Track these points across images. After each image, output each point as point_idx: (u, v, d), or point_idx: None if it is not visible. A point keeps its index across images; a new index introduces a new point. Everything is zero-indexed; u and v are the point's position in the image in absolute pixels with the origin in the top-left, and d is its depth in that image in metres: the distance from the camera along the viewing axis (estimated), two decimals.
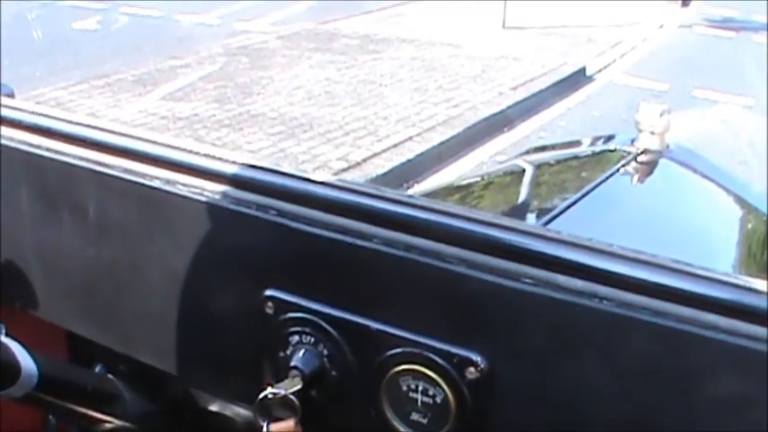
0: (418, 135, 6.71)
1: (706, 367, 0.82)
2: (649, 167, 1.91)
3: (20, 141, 1.22)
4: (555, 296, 0.88)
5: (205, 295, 1.11)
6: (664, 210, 1.78)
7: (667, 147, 1.91)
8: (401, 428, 0.99)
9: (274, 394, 1.00)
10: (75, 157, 1.18)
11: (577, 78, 9.03)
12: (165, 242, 1.12)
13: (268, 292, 1.04)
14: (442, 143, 6.62)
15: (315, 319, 1.01)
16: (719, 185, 2.08)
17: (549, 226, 1.46)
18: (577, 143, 2.68)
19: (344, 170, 5.89)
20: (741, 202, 2.06)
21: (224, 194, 1.07)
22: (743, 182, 2.19)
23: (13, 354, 1.02)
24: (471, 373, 0.92)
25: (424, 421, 0.97)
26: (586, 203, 1.63)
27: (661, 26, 11.85)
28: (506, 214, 1.85)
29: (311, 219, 1.01)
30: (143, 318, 1.18)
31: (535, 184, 2.03)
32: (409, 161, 6.23)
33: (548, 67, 9.10)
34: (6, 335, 1.02)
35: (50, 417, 1.37)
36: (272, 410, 1.01)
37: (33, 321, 1.26)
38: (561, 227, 1.44)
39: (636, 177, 1.93)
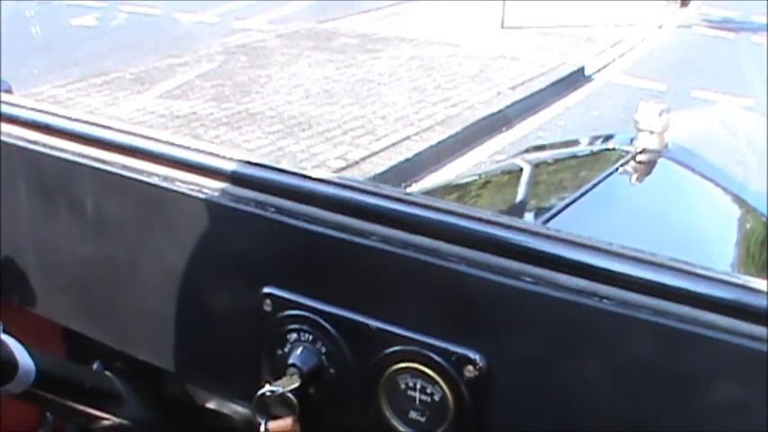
0: (417, 134, 6.71)
1: (706, 367, 0.82)
2: (648, 167, 1.91)
3: (18, 138, 1.22)
4: (554, 295, 0.88)
5: (203, 292, 1.11)
6: (662, 209, 1.78)
7: (666, 146, 1.91)
8: (399, 426, 0.98)
9: (272, 392, 1.00)
10: (73, 153, 1.18)
11: (576, 78, 9.04)
12: (163, 239, 1.12)
13: (266, 290, 1.04)
14: (440, 142, 6.62)
15: (313, 316, 1.01)
16: (718, 185, 2.08)
17: (548, 225, 1.46)
18: (576, 142, 2.68)
19: (343, 169, 5.89)
20: (740, 201, 2.06)
21: (222, 191, 1.07)
22: (741, 182, 2.19)
23: (11, 350, 1.02)
24: (470, 371, 0.92)
25: (423, 419, 0.97)
26: (585, 203, 1.63)
27: (660, 26, 11.86)
28: (505, 213, 1.84)
29: (310, 216, 1.01)
30: (141, 315, 1.18)
31: (533, 183, 2.03)
32: (408, 160, 6.23)
33: (546, 66, 9.11)
34: (4, 331, 1.02)
35: (48, 413, 1.37)
36: (270, 408, 1.01)
37: (31, 318, 1.26)
38: (560, 226, 1.44)
39: (635, 177, 1.93)
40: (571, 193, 1.69)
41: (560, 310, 0.87)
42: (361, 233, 0.98)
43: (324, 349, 1.01)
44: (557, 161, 2.38)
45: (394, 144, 6.47)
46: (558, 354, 0.89)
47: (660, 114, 1.88)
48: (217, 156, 1.10)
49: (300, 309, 1.02)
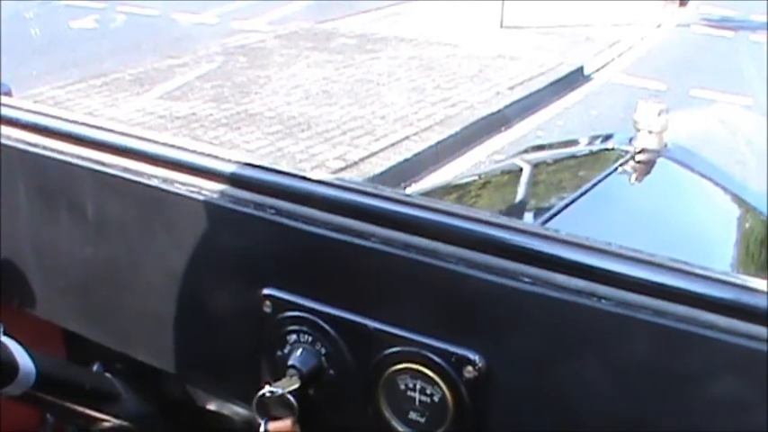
0: (416, 134, 6.71)
1: (705, 366, 0.82)
2: (647, 166, 1.91)
3: (17, 140, 1.22)
4: (553, 295, 0.88)
5: (203, 294, 1.11)
6: (662, 209, 1.78)
7: (665, 146, 1.91)
8: (399, 427, 0.99)
9: (272, 393, 1.00)
10: (72, 155, 1.18)
11: (575, 78, 9.04)
12: (162, 241, 1.12)
13: (266, 291, 1.04)
14: (439, 142, 6.62)
15: (312, 317, 1.01)
16: (717, 184, 2.08)
17: (546, 225, 1.46)
18: (575, 142, 2.68)
19: (342, 169, 5.89)
20: (739, 201, 2.06)
21: (222, 193, 1.07)
22: (741, 181, 2.19)
23: (11, 352, 1.02)
24: (469, 372, 0.92)
25: (422, 420, 0.97)
26: (584, 203, 1.63)
27: (659, 25, 11.86)
28: (504, 213, 1.85)
29: (309, 217, 1.01)
30: (141, 316, 1.18)
31: (533, 183, 2.03)
32: (407, 160, 6.23)
33: (545, 66, 9.11)
34: (4, 333, 1.02)
35: (48, 415, 1.37)
36: (269, 409, 1.02)
37: (31, 320, 1.26)
38: (559, 226, 1.44)
39: (634, 176, 1.93)
40: (570, 192, 1.69)
41: (559, 310, 0.87)
42: (360, 234, 0.98)
43: (323, 350, 1.01)
44: (556, 161, 2.38)
45: (393, 144, 6.47)
46: (557, 354, 0.89)
47: (659, 114, 1.88)
48: (216, 157, 1.10)
49: (300, 310, 1.02)
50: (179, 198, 1.09)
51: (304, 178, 1.05)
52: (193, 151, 1.12)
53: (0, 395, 1.03)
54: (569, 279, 0.88)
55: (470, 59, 9.23)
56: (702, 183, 2.07)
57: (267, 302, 1.04)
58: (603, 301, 0.86)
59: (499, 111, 7.56)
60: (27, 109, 1.26)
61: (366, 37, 10.13)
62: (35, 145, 1.21)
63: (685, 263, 0.86)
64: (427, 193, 2.39)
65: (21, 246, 1.25)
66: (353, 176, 5.69)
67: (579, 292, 0.87)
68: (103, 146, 1.17)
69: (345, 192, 1.02)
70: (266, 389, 1.00)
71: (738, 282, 0.84)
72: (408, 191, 4.26)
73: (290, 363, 1.01)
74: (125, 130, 1.19)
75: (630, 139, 1.94)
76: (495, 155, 6.52)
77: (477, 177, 2.95)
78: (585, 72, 9.33)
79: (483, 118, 7.29)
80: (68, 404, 1.18)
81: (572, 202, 1.62)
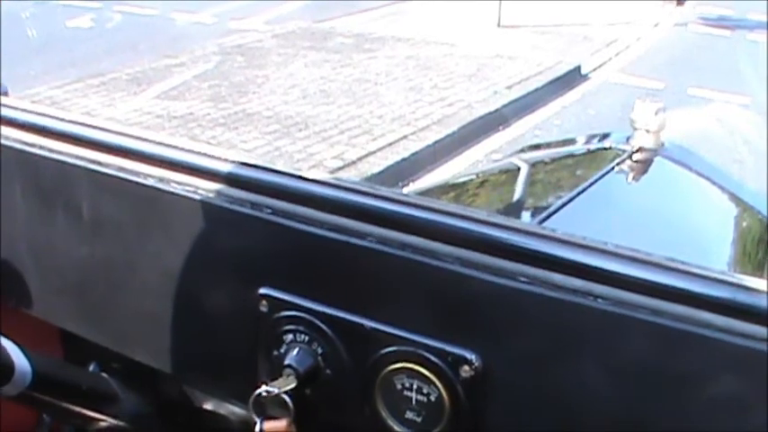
0: (413, 134, 6.71)
1: (702, 366, 0.82)
2: (644, 166, 1.91)
3: (14, 140, 1.22)
4: (550, 295, 0.88)
5: (199, 293, 1.11)
6: (659, 208, 1.78)
7: (662, 145, 1.91)
8: (395, 427, 0.98)
9: (268, 393, 1.00)
10: (69, 155, 1.18)
11: (573, 77, 9.04)
12: (159, 240, 1.12)
13: (262, 291, 1.04)
14: (437, 142, 6.62)
15: (309, 317, 1.01)
16: (715, 184, 2.08)
17: (544, 224, 1.46)
18: (573, 141, 2.68)
19: (340, 169, 5.89)
20: (736, 200, 2.06)
21: (218, 193, 1.07)
22: (738, 180, 2.19)
23: (7, 353, 1.02)
24: (466, 371, 0.92)
25: (419, 419, 0.97)
26: (582, 202, 1.63)
27: (656, 25, 11.87)
28: (501, 212, 1.85)
29: (305, 217, 1.01)
30: (137, 316, 1.18)
31: (530, 182, 2.03)
32: (404, 160, 6.23)
33: (543, 65, 9.11)
34: (0, 334, 1.02)
35: (45, 416, 1.37)
36: (266, 409, 1.02)
37: (28, 320, 1.26)
38: (556, 225, 1.44)
39: (631, 175, 1.93)
40: (568, 192, 1.69)
41: (556, 309, 0.87)
42: (356, 234, 0.98)
43: (320, 350, 1.01)
44: (553, 160, 2.38)
45: (391, 144, 6.47)
46: (553, 353, 0.89)
47: (656, 113, 1.88)
48: (212, 157, 1.10)
49: (296, 310, 1.02)
50: (175, 198, 1.09)
51: (301, 178, 1.05)
52: (190, 151, 1.12)
53: None
54: (566, 278, 0.88)
55: (468, 59, 9.23)
56: (700, 182, 2.07)
57: (264, 302, 1.04)
58: (600, 300, 0.86)
59: (497, 110, 7.56)
60: (24, 109, 1.26)
61: (363, 36, 10.13)
62: (32, 145, 1.21)
63: (682, 262, 0.86)
64: (425, 193, 2.40)
65: (17, 245, 1.25)
66: (351, 176, 5.70)
67: (576, 291, 0.87)
68: (100, 145, 1.17)
69: (342, 191, 1.02)
70: (262, 388, 1.00)
71: (736, 281, 0.84)
72: (406, 190, 4.26)
73: (286, 362, 1.01)
74: (121, 129, 1.19)
75: (628, 138, 1.94)
76: (492, 154, 6.52)
77: (474, 176, 2.95)
78: (583, 71, 9.33)
79: (480, 117, 7.30)
80: (65, 404, 1.18)
81: (569, 201, 1.62)
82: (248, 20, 10.57)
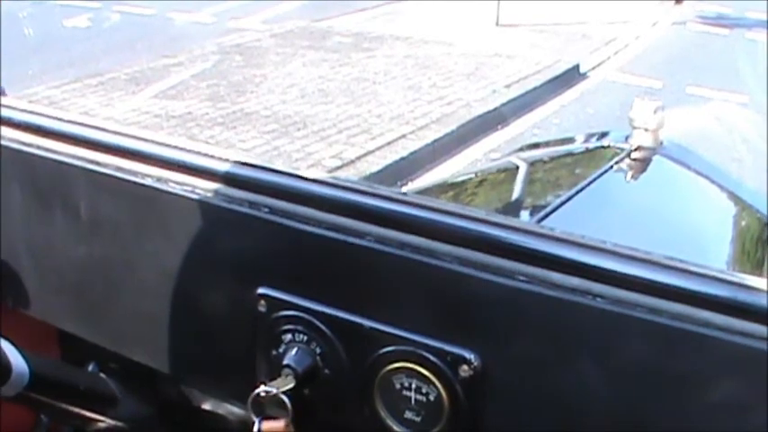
0: (412, 133, 6.71)
1: (700, 364, 0.82)
2: (643, 164, 1.91)
3: (12, 140, 1.22)
4: (549, 293, 0.88)
5: (197, 293, 1.11)
6: (657, 206, 1.78)
7: (661, 143, 1.91)
8: (394, 427, 0.98)
9: (267, 393, 1.00)
10: (66, 155, 1.18)
11: (571, 76, 9.03)
12: (157, 240, 1.12)
13: (261, 291, 1.04)
14: (435, 141, 6.62)
15: (308, 317, 1.01)
16: (713, 182, 2.08)
17: (542, 223, 1.46)
18: (571, 140, 2.68)
19: (338, 168, 5.89)
20: (735, 199, 2.06)
21: (216, 192, 1.07)
22: (737, 179, 2.19)
23: (5, 353, 1.02)
24: (465, 371, 0.92)
25: (418, 419, 0.97)
26: (580, 200, 1.63)
27: (655, 23, 11.86)
28: (500, 211, 1.85)
29: (304, 216, 1.01)
30: (135, 316, 1.18)
31: (529, 181, 2.02)
32: (403, 159, 6.23)
33: (542, 64, 9.10)
34: None
35: (42, 416, 1.37)
36: (264, 409, 1.01)
37: (25, 320, 1.26)
38: (555, 224, 1.44)
39: (630, 174, 1.93)
40: (566, 190, 1.69)
41: (554, 308, 0.87)
42: (355, 233, 0.98)
43: (318, 350, 1.01)
44: (552, 159, 2.38)
45: (389, 143, 6.47)
46: (552, 352, 0.89)
47: (655, 112, 1.88)
48: (210, 156, 1.10)
49: (295, 309, 1.01)
50: (173, 197, 1.09)
51: (299, 177, 1.04)
52: (188, 150, 1.12)
53: None
54: (565, 277, 0.88)
55: (466, 57, 9.22)
56: (698, 180, 2.07)
57: (262, 302, 1.04)
58: (599, 299, 0.86)
59: (495, 109, 7.55)
60: (22, 109, 1.26)
61: (362, 35, 10.12)
62: (30, 145, 1.21)
63: (681, 260, 0.86)
64: (424, 192, 2.39)
65: (15, 245, 1.25)
66: (350, 175, 5.69)
67: (575, 290, 0.87)
68: (98, 145, 1.17)
69: (341, 190, 1.02)
70: (261, 388, 1.00)
71: (734, 279, 0.84)
72: (405, 189, 4.26)
73: (285, 362, 1.01)
74: (119, 129, 1.19)
75: (626, 137, 1.94)
76: (491, 153, 6.52)
77: (473, 175, 2.95)
78: (582, 70, 9.32)
79: (479, 116, 7.29)
80: (63, 405, 1.18)
81: (568, 199, 1.61)
82: (246, 19, 10.57)
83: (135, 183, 1.12)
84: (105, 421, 1.23)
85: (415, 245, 0.95)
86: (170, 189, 1.09)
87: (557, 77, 8.76)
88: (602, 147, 2.16)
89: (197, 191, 1.08)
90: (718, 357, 0.81)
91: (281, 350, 1.03)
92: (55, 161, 1.18)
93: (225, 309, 1.09)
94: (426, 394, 0.95)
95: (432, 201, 1.01)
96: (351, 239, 0.98)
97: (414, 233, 0.95)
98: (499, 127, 7.28)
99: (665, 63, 9.67)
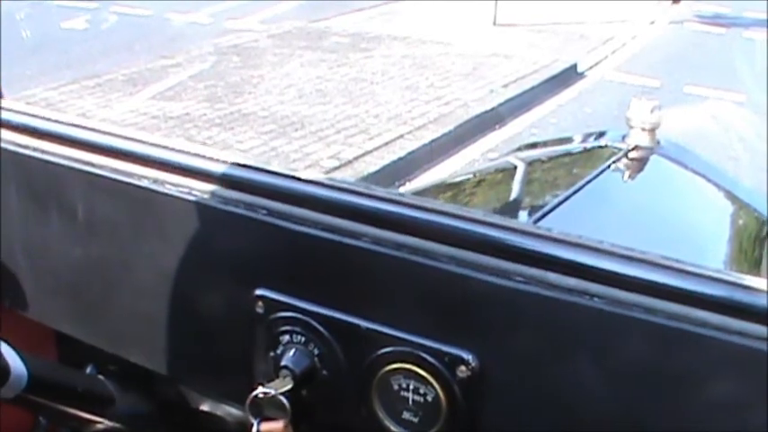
0: (410, 133, 6.71)
1: (697, 364, 0.82)
2: (640, 164, 1.91)
3: (9, 142, 1.22)
4: (546, 294, 0.88)
5: (195, 295, 1.11)
6: (655, 206, 1.78)
7: (658, 143, 1.91)
8: (392, 427, 0.98)
9: (265, 394, 1.00)
10: (64, 157, 1.18)
11: (569, 75, 9.03)
12: (154, 242, 1.12)
13: (258, 292, 1.04)
14: (433, 141, 6.62)
15: (305, 318, 1.01)
16: (710, 181, 2.08)
17: (540, 223, 1.46)
18: (569, 140, 2.67)
19: (336, 168, 5.89)
20: (732, 198, 2.06)
21: (213, 194, 1.07)
22: (734, 177, 2.19)
23: (3, 355, 1.01)
24: (462, 371, 0.92)
25: (415, 420, 0.97)
26: (577, 200, 1.63)
27: (652, 23, 11.87)
28: (498, 211, 1.85)
29: (301, 218, 1.01)
30: (133, 318, 1.18)
31: (526, 181, 2.03)
32: (401, 159, 6.23)
33: (539, 64, 9.11)
34: None
35: (41, 418, 1.37)
36: (262, 410, 1.01)
37: (23, 322, 1.26)
38: (552, 224, 1.44)
39: (627, 174, 1.93)
40: (564, 190, 1.69)
41: (552, 309, 0.87)
42: (352, 234, 0.98)
43: (316, 351, 1.01)
44: (549, 159, 2.37)
45: (387, 143, 6.47)
46: (549, 353, 0.89)
47: (652, 111, 1.88)
48: (207, 158, 1.10)
49: (293, 311, 1.01)
50: (170, 199, 1.09)
51: (296, 178, 1.05)
52: (184, 152, 1.12)
53: None
54: (562, 278, 0.88)
55: (464, 57, 9.22)
56: (695, 179, 2.07)
57: (260, 303, 1.04)
58: (596, 299, 0.86)
59: (493, 109, 7.55)
60: (18, 111, 1.26)
61: (359, 35, 10.12)
62: (27, 147, 1.21)
63: (677, 260, 0.87)
64: (421, 192, 2.39)
65: (12, 247, 1.25)
66: (347, 175, 5.69)
67: (572, 290, 0.87)
68: (95, 147, 1.17)
69: (337, 192, 1.02)
70: (259, 390, 1.00)
71: (731, 279, 0.84)
72: (402, 189, 4.26)
73: (282, 363, 1.01)
74: (116, 131, 1.19)
75: (624, 137, 1.94)
76: (488, 153, 6.52)
77: (471, 175, 2.95)
78: (579, 69, 9.33)
79: (477, 116, 7.29)
80: (61, 407, 1.18)
81: (565, 199, 1.61)
82: (244, 20, 10.57)
83: (132, 184, 1.12)
84: (103, 423, 1.23)
85: (412, 246, 0.95)
86: (167, 191, 1.09)
87: (554, 77, 8.77)
88: (600, 146, 2.15)
89: (194, 192, 1.08)
90: (715, 357, 0.81)
91: (278, 351, 1.03)
92: (52, 163, 1.18)
93: (222, 310, 1.09)
94: (424, 395, 0.95)
95: (429, 202, 1.01)
96: (348, 240, 0.98)
97: (411, 234, 0.96)
98: (497, 127, 7.28)
99: (663, 62, 9.68)
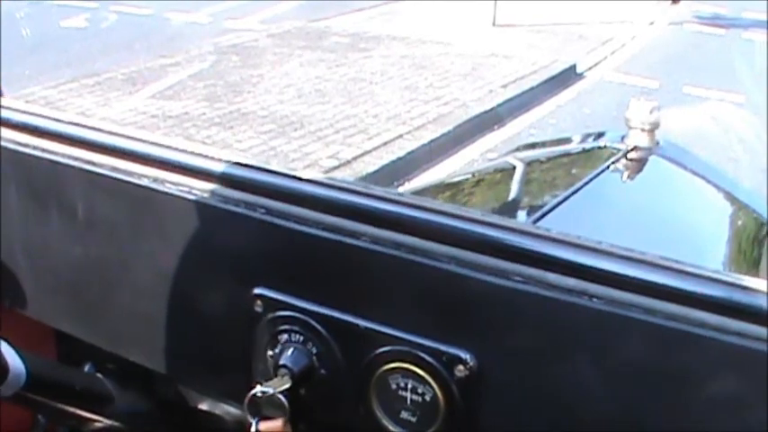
0: (409, 133, 6.70)
1: (696, 364, 0.82)
2: (639, 164, 1.91)
3: (9, 140, 1.22)
4: (545, 294, 0.88)
5: (194, 294, 1.11)
6: (654, 207, 1.78)
7: (657, 143, 1.91)
8: (390, 427, 0.98)
9: (263, 393, 1.00)
10: (63, 155, 1.18)
11: (568, 76, 9.03)
12: (153, 240, 1.12)
13: (257, 291, 1.04)
14: (432, 141, 6.62)
15: (304, 317, 1.01)
16: (709, 182, 2.08)
17: (539, 223, 1.46)
18: (568, 140, 2.67)
19: (335, 168, 5.89)
20: (731, 198, 2.06)
21: (212, 193, 1.07)
22: (733, 178, 2.19)
23: (2, 353, 1.01)
24: (460, 371, 0.92)
25: (414, 419, 0.97)
26: (576, 200, 1.63)
27: (651, 23, 11.87)
28: (497, 212, 1.85)
29: (300, 217, 1.01)
30: (132, 316, 1.18)
31: (525, 181, 2.02)
32: (400, 159, 6.23)
33: (538, 64, 9.11)
34: None
35: (39, 416, 1.37)
36: (261, 409, 1.01)
37: (22, 320, 1.26)
38: (551, 224, 1.44)
39: (626, 174, 1.93)
40: (562, 190, 1.68)
41: (550, 309, 0.87)
42: (351, 234, 0.98)
43: (315, 350, 1.01)
44: (548, 159, 2.37)
45: (386, 143, 6.46)
46: (548, 353, 0.89)
47: (651, 112, 1.87)
48: (206, 157, 1.10)
49: (291, 310, 1.02)
50: (170, 198, 1.09)
51: (295, 178, 1.05)
52: (184, 151, 1.12)
53: None
54: (561, 278, 0.88)
55: (463, 58, 9.22)
56: (694, 180, 2.07)
57: (258, 302, 1.04)
58: (595, 299, 0.86)
59: (492, 109, 7.55)
60: (18, 109, 1.26)
61: (359, 36, 10.12)
62: (26, 145, 1.21)
63: (676, 261, 0.87)
64: (420, 192, 2.40)
65: (12, 246, 1.25)
66: (346, 175, 5.69)
67: (570, 290, 0.87)
68: (94, 146, 1.17)
69: (336, 191, 1.02)
70: (257, 389, 1.00)
71: (730, 280, 0.84)
72: (401, 189, 4.26)
73: (281, 362, 1.01)
74: (116, 129, 1.19)
75: (623, 137, 1.94)
76: (487, 153, 6.52)
77: (470, 176, 2.95)
78: (578, 70, 9.33)
79: (476, 116, 7.29)
80: (60, 405, 1.18)
81: (564, 200, 1.61)
82: (243, 19, 10.56)
83: (131, 183, 1.12)
84: (102, 421, 1.23)
85: (411, 245, 0.95)
86: (166, 189, 1.09)
87: (553, 77, 8.77)
88: (599, 147, 2.15)
89: (193, 191, 1.08)
90: (714, 358, 0.82)
91: (277, 350, 1.03)
92: (52, 162, 1.18)
93: (221, 309, 1.10)
94: (422, 394, 0.95)
95: (427, 201, 1.01)
96: (347, 240, 0.98)
97: (409, 234, 0.96)
98: (496, 127, 7.28)
99: (662, 63, 9.69)
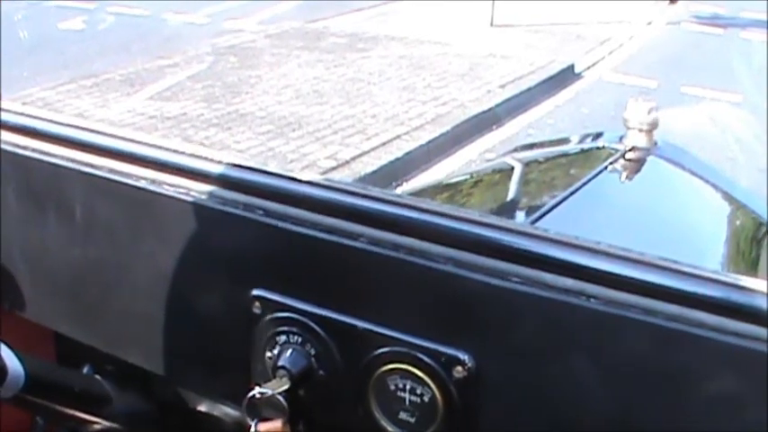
0: (407, 133, 6.71)
1: (694, 364, 0.82)
2: (637, 164, 1.91)
3: (6, 142, 1.22)
4: (543, 295, 0.88)
5: (192, 295, 1.11)
6: (652, 207, 1.78)
7: (655, 144, 1.91)
8: (389, 428, 0.98)
9: (262, 394, 1.00)
10: (61, 157, 1.18)
11: (566, 76, 9.04)
12: (151, 242, 1.12)
13: (255, 292, 1.04)
14: (430, 141, 6.62)
15: (302, 318, 1.01)
16: (708, 182, 2.08)
17: (537, 224, 1.46)
18: (566, 140, 2.67)
19: (333, 169, 5.89)
20: (730, 199, 2.06)
21: (210, 194, 1.07)
22: (731, 178, 2.19)
23: (0, 355, 1.01)
24: (459, 372, 0.92)
25: (412, 420, 0.97)
26: (574, 201, 1.63)
27: (649, 23, 11.88)
28: (495, 212, 1.85)
29: (298, 218, 1.01)
30: (130, 318, 1.18)
31: (523, 181, 2.02)
32: (398, 159, 6.23)
33: (536, 64, 9.11)
34: None
35: (38, 418, 1.37)
36: (260, 410, 1.01)
37: (21, 322, 1.26)
38: (549, 225, 1.44)
39: (624, 174, 1.93)
40: (561, 191, 1.68)
41: (549, 309, 0.87)
42: (349, 235, 0.98)
43: (313, 351, 1.01)
44: (546, 159, 2.37)
45: (384, 143, 6.47)
46: (546, 353, 0.89)
47: (649, 112, 1.87)
48: (205, 159, 1.10)
49: (289, 311, 1.02)
50: (168, 199, 1.09)
51: (293, 179, 1.05)
52: (182, 152, 1.12)
53: None
54: (558, 278, 0.88)
55: (461, 58, 9.22)
56: (693, 180, 2.07)
57: (257, 303, 1.04)
58: (593, 300, 0.86)
59: (490, 109, 7.56)
60: (15, 111, 1.26)
61: (357, 36, 10.12)
62: (24, 147, 1.21)
63: (675, 261, 0.87)
64: (418, 192, 2.39)
65: (10, 248, 1.25)
66: (345, 176, 5.70)
67: (568, 291, 0.87)
68: (92, 148, 1.17)
69: (334, 192, 1.02)
70: (256, 390, 1.00)
71: (728, 280, 0.84)
72: (399, 190, 4.27)
73: (279, 364, 1.01)
74: (114, 131, 1.19)
75: (621, 137, 1.94)
76: (486, 153, 6.53)
77: (468, 176, 2.95)
78: (576, 70, 9.33)
79: (474, 116, 7.29)
80: (58, 407, 1.18)
81: (562, 200, 1.61)
82: (241, 20, 10.56)
83: (130, 185, 1.12)
84: (100, 423, 1.23)
85: (409, 246, 0.95)
86: (164, 191, 1.09)
87: (551, 78, 8.77)
88: (597, 147, 2.15)
89: (191, 193, 1.08)
90: (713, 358, 0.82)
91: (275, 351, 1.03)
92: (50, 164, 1.18)
93: (220, 311, 1.10)
94: (421, 395, 0.95)
95: (425, 202, 1.01)
96: (345, 241, 0.98)
97: (408, 235, 0.96)
98: (494, 127, 7.29)
99: (660, 63, 9.69)
